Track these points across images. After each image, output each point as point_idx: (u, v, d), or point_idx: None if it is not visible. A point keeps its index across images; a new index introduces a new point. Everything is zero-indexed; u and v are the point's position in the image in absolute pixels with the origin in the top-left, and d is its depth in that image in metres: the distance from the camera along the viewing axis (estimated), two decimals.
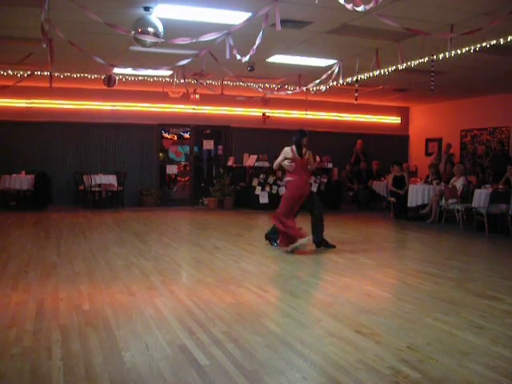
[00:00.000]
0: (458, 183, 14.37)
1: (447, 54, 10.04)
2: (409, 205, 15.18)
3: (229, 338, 4.93)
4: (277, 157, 10.08)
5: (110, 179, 16.87)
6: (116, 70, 13.20)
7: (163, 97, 16.25)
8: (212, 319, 5.52)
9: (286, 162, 9.80)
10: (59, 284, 6.98)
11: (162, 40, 8.24)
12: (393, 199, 15.76)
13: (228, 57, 8.77)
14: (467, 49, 9.97)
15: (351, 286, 7.26)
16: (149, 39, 8.20)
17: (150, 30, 8.11)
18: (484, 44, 9.65)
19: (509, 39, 9.18)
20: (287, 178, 9.97)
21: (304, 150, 10.07)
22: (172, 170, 19.20)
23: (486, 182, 14.13)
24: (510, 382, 4.04)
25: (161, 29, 8.17)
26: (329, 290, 6.91)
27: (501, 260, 9.69)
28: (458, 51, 10.06)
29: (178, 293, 6.64)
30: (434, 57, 10.42)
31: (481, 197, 12.79)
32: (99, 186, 16.73)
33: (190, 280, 7.65)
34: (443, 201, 14.20)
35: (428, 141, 20.56)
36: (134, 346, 4.66)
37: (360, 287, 7.18)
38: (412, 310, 6.05)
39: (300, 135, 10.15)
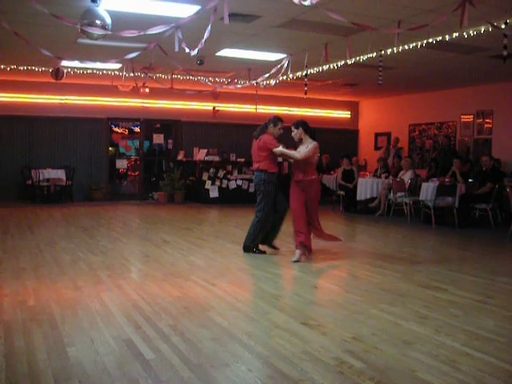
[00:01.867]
0: (406, 177, 14.59)
1: (395, 49, 10.16)
2: (358, 198, 15.35)
3: (175, 331, 4.93)
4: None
5: (59, 174, 16.63)
6: (64, 63, 13.00)
7: (112, 90, 16.08)
8: (158, 313, 5.50)
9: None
10: (4, 280, 6.86)
11: (110, 33, 8.13)
12: (342, 193, 15.93)
13: (177, 50, 8.73)
14: (414, 44, 10.12)
15: (298, 278, 7.32)
16: (96, 32, 8.08)
17: (98, 22, 7.98)
18: (430, 40, 9.81)
19: (454, 36, 9.35)
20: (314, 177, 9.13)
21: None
22: (122, 164, 19.05)
23: (436, 176, 14.36)
24: (451, 370, 4.13)
25: (108, 21, 8.06)
26: (276, 283, 6.96)
27: (446, 252, 9.87)
28: (406, 47, 10.22)
29: (125, 287, 6.59)
30: (382, 52, 10.55)
31: (428, 190, 13.01)
32: (47, 180, 16.48)
33: (137, 274, 7.60)
34: (391, 194, 14.41)
35: (377, 135, 20.81)
36: (78, 342, 4.61)
37: (307, 279, 7.24)
38: (358, 302, 6.13)
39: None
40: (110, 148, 18.80)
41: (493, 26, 8.28)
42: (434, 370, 4.14)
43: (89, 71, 14.26)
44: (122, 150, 19.38)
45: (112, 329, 4.97)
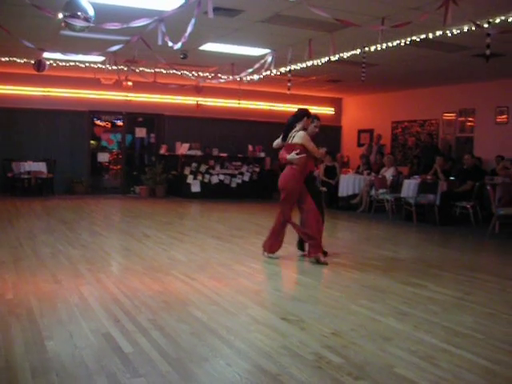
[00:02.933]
0: (388, 173, 14.65)
1: (378, 46, 10.19)
2: (340, 194, 15.41)
3: (154, 325, 4.91)
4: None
5: (40, 166, 16.52)
6: (46, 55, 12.90)
7: (95, 83, 16.01)
8: (138, 307, 5.48)
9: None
10: None
11: (92, 25, 8.07)
12: (324, 189, 15.92)
13: (160, 43, 8.69)
14: (398, 42, 10.16)
15: (279, 273, 7.33)
16: (78, 23, 8.00)
17: (80, 13, 7.93)
18: (414, 38, 9.85)
19: (437, 34, 9.39)
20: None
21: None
22: (104, 157, 18.94)
23: (418, 173, 14.43)
24: (429, 366, 4.15)
25: (91, 13, 7.99)
26: (257, 278, 6.96)
27: (427, 248, 9.92)
28: (389, 44, 10.24)
29: (105, 281, 6.56)
30: (366, 49, 10.57)
31: (409, 187, 13.08)
32: (28, 173, 16.35)
33: (117, 268, 7.57)
34: (373, 191, 14.46)
35: (360, 132, 20.86)
36: (57, 335, 4.59)
37: (288, 275, 7.26)
38: (338, 298, 6.14)
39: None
40: (92, 141, 18.69)
41: (476, 25, 8.32)
42: (413, 365, 4.16)
43: (71, 63, 14.16)
44: (103, 143, 19.26)
45: (91, 322, 4.94)
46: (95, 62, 14.09)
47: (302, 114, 7.92)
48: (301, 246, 8.50)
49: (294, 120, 7.98)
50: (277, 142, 8.31)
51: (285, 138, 8.04)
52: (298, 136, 7.75)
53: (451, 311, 5.71)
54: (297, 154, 7.73)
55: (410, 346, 4.58)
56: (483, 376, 4.00)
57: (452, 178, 13.52)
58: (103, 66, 13.81)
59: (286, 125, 8.09)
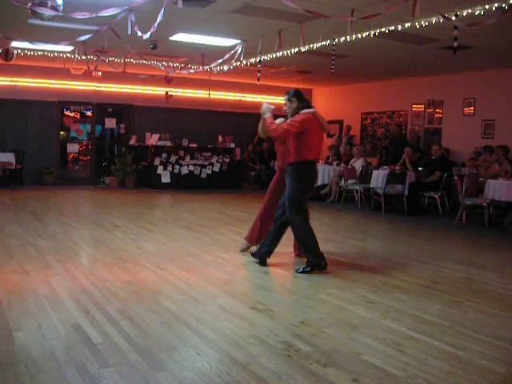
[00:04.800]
0: (357, 164, 14.75)
1: (348, 37, 10.23)
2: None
3: (123, 315, 4.92)
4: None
5: (8, 157, 16.27)
6: (14, 44, 12.74)
7: (64, 73, 15.83)
8: (107, 297, 5.48)
9: None
10: None
11: (61, 14, 8.00)
12: None
13: (129, 33, 8.65)
14: (367, 33, 10.21)
15: (248, 263, 7.33)
16: (47, 12, 7.94)
17: (48, 2, 7.85)
18: (383, 29, 9.91)
19: (406, 26, 9.46)
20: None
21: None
22: (73, 148, 18.76)
23: (386, 164, 14.56)
24: (396, 353, 4.22)
25: (59, 2, 7.92)
26: (226, 268, 6.98)
27: (395, 238, 10.03)
28: (359, 35, 10.29)
29: (74, 271, 6.54)
30: (335, 40, 10.62)
31: (378, 178, 13.20)
32: None
33: (86, 259, 7.55)
34: (342, 181, 14.56)
35: (330, 123, 20.83)
36: (25, 326, 4.57)
37: (257, 265, 7.26)
38: (307, 287, 6.20)
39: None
40: (62, 132, 18.50)
41: (444, 17, 8.39)
42: (380, 353, 4.22)
43: (40, 53, 13.97)
44: (73, 134, 19.09)
45: (60, 313, 4.93)
46: (64, 52, 13.92)
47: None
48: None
49: None
50: None
51: None
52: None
53: (418, 299, 5.80)
54: None
55: (377, 333, 4.66)
56: (449, 362, 4.08)
57: (420, 169, 13.67)
58: (72, 56, 13.67)
59: None
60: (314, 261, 6.87)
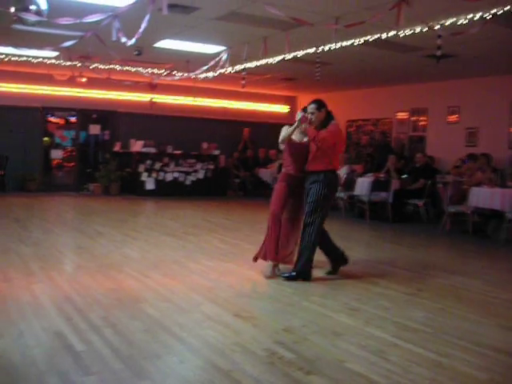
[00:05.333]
0: (342, 172, 14.75)
1: (333, 45, 10.28)
2: None
3: (107, 323, 4.89)
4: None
5: None
6: None
7: (48, 79, 15.77)
8: (91, 305, 5.45)
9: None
10: None
11: (45, 19, 7.98)
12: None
13: (114, 39, 8.63)
14: (352, 41, 10.25)
15: (232, 271, 7.34)
16: (31, 17, 7.92)
17: (32, 7, 7.82)
18: (367, 37, 9.95)
19: (390, 34, 9.51)
20: None
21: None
22: (57, 154, 18.63)
23: (371, 171, 14.59)
24: (379, 360, 4.23)
25: (44, 7, 7.89)
26: (210, 275, 6.96)
27: (379, 246, 10.06)
28: (343, 43, 10.33)
29: (58, 279, 6.50)
30: (320, 48, 10.65)
31: (363, 185, 13.22)
32: None
33: (70, 266, 7.50)
34: None
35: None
36: (7, 334, 4.54)
37: (241, 272, 7.27)
38: (291, 294, 6.20)
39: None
40: (46, 138, 18.39)
41: (428, 26, 8.46)
42: (363, 360, 4.23)
43: (24, 58, 13.92)
44: (57, 140, 18.99)
45: (42, 321, 4.90)
46: (49, 58, 13.88)
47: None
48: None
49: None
50: None
51: None
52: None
53: (402, 307, 5.82)
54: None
55: (360, 341, 4.66)
56: (432, 369, 4.09)
57: (404, 177, 13.72)
58: (57, 62, 13.63)
59: None
60: (303, 269, 6.88)
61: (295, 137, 7.23)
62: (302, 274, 6.88)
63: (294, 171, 7.21)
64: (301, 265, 6.92)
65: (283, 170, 7.38)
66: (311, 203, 6.92)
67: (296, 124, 7.04)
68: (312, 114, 7.08)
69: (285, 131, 7.23)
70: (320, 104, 7.15)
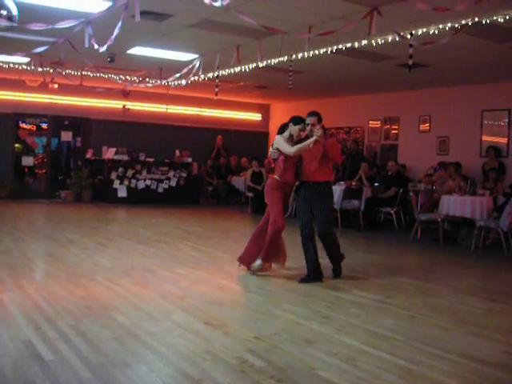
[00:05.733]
0: None
1: (305, 53, 10.33)
2: (266, 200, 15.46)
3: (76, 331, 4.84)
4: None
5: None
6: None
7: (20, 85, 15.64)
8: (60, 313, 5.39)
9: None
10: None
11: (16, 25, 7.91)
12: (251, 194, 16.05)
13: (86, 45, 8.58)
14: (324, 50, 10.31)
15: (204, 279, 7.32)
16: (2, 23, 7.84)
17: (3, 12, 7.74)
18: (340, 46, 10.02)
19: (362, 43, 9.59)
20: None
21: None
22: (28, 161, 18.44)
23: (343, 179, 14.65)
24: (350, 367, 4.24)
25: (15, 12, 7.82)
26: (181, 284, 6.93)
27: (351, 254, 10.03)
28: (316, 52, 10.39)
29: (27, 287, 6.42)
30: (293, 56, 10.70)
31: (335, 193, 13.22)
32: None
33: (40, 274, 7.43)
34: None
35: None
36: None
37: (213, 280, 7.25)
38: (262, 302, 6.20)
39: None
40: (17, 144, 18.22)
41: (399, 35, 8.55)
42: (334, 367, 4.23)
43: None
44: (28, 146, 18.80)
45: (10, 330, 4.83)
46: (20, 64, 13.77)
47: (290, 121, 7.55)
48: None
49: (283, 129, 7.71)
50: None
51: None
52: (275, 140, 7.53)
53: (373, 314, 5.84)
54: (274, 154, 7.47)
55: (331, 348, 4.66)
56: (402, 376, 4.11)
57: (376, 185, 13.81)
58: (28, 68, 13.52)
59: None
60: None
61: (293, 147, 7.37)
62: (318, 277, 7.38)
63: (291, 179, 7.53)
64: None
65: (278, 178, 7.55)
66: (327, 213, 7.47)
67: (315, 138, 7.10)
68: (313, 125, 7.28)
69: (283, 142, 7.38)
70: (320, 117, 7.44)
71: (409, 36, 8.49)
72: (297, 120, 7.49)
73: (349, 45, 9.87)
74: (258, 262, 7.54)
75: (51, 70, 13.34)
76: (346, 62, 12.07)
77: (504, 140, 13.89)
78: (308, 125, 7.34)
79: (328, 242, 7.57)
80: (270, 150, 7.59)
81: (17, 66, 13.93)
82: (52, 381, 3.79)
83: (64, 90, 16.16)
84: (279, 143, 7.39)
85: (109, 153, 17.52)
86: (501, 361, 4.57)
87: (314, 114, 7.43)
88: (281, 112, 21.39)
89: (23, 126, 18.70)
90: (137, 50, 12.08)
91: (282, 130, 7.70)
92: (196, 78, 12.88)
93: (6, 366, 4.01)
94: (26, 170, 18.73)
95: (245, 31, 9.78)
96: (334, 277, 7.56)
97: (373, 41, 9.39)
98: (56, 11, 8.91)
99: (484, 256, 10.14)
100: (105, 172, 17.39)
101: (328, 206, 7.50)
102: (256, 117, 21.77)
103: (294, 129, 7.42)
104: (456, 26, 8.10)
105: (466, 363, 4.46)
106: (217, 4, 6.68)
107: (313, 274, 7.36)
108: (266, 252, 7.53)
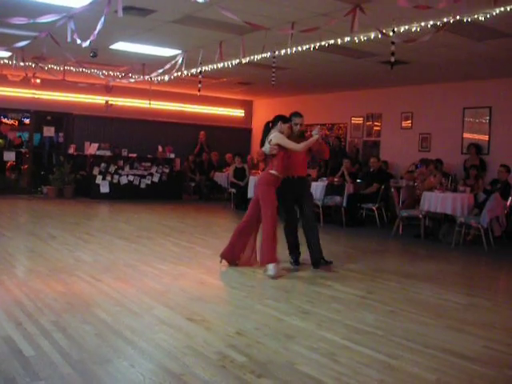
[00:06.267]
0: None
1: (288, 50, 10.33)
2: (249, 196, 15.45)
3: (57, 327, 4.83)
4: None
5: None
6: None
7: (1, 80, 15.53)
8: (41, 309, 5.38)
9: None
10: None
11: None
12: (233, 190, 16.06)
13: (69, 40, 8.54)
14: (307, 46, 10.31)
15: (186, 274, 7.33)
16: None
17: None
18: (323, 43, 10.03)
19: (345, 40, 9.60)
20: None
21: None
22: (10, 156, 18.31)
23: (325, 176, 14.69)
24: (330, 362, 4.27)
25: None
26: (163, 279, 6.93)
27: (333, 249, 10.09)
28: (299, 48, 10.39)
29: (8, 283, 6.39)
30: (276, 52, 10.71)
31: (317, 189, 13.28)
32: None
33: (20, 270, 7.39)
34: None
35: None
36: None
37: (194, 275, 7.27)
38: (244, 298, 6.22)
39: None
40: None
41: (381, 32, 8.58)
42: (314, 362, 4.26)
43: None
44: (10, 141, 18.67)
45: None
46: (1, 58, 13.66)
47: (277, 119, 7.87)
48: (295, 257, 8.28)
49: (268, 126, 7.94)
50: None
51: (262, 145, 7.89)
52: (273, 137, 7.65)
53: (353, 309, 5.88)
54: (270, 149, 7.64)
55: (312, 343, 4.69)
56: (382, 371, 4.14)
57: (359, 181, 13.87)
58: (10, 62, 13.42)
59: (262, 132, 7.99)
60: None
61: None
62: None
63: (282, 175, 7.80)
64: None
65: (275, 173, 7.71)
66: (312, 204, 8.43)
67: (316, 138, 7.92)
68: (301, 125, 8.12)
69: (287, 139, 7.70)
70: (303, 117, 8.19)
71: (391, 33, 8.52)
72: (286, 119, 7.91)
73: (332, 41, 9.87)
74: (270, 267, 7.35)
75: (33, 65, 13.27)
76: (328, 58, 12.10)
77: (485, 137, 13.98)
78: (296, 124, 8.01)
79: (315, 227, 8.23)
80: (266, 146, 7.70)
81: None
82: (32, 377, 3.79)
83: (46, 84, 16.07)
84: (283, 140, 7.66)
85: (91, 148, 17.44)
86: (480, 355, 4.62)
87: (299, 114, 8.16)
88: (264, 108, 21.41)
89: (5, 120, 18.57)
90: (120, 46, 12.03)
91: (267, 128, 7.91)
92: (179, 73, 12.85)
93: None
94: (8, 165, 18.60)
95: (228, 27, 9.77)
96: (315, 266, 8.02)
97: (355, 38, 9.41)
98: (38, 5, 8.84)
99: (464, 252, 10.22)
100: (87, 167, 17.31)
101: (312, 195, 8.53)
102: (239, 113, 21.77)
103: (284, 127, 7.79)
104: (437, 23, 8.13)
105: (445, 358, 4.50)
106: (200, 0, 6.70)
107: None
108: (270, 251, 7.49)
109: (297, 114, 8.15)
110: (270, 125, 7.89)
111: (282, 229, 8.26)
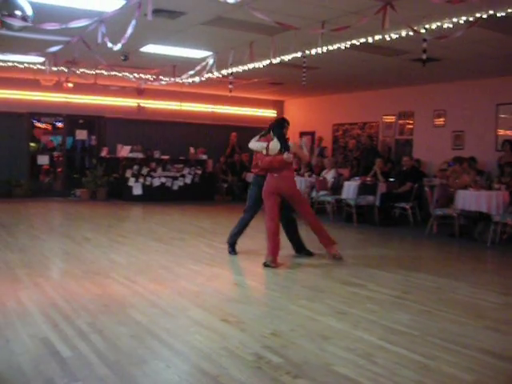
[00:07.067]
0: (329, 175, 14.81)
1: (319, 49, 10.30)
2: None
3: (93, 329, 4.87)
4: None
5: None
6: None
7: (35, 84, 15.72)
8: (77, 311, 5.42)
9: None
10: None
11: (31, 24, 7.94)
12: None
13: (99, 41, 8.62)
14: (338, 45, 10.28)
15: (220, 275, 7.34)
16: (16, 23, 7.87)
17: (18, 12, 7.78)
18: (353, 41, 9.99)
19: (376, 38, 9.55)
20: None
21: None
22: (44, 160, 18.54)
23: (358, 175, 14.64)
24: (367, 363, 4.23)
25: (29, 12, 7.85)
26: (197, 280, 6.95)
27: (366, 249, 10.06)
28: (330, 47, 10.36)
29: (44, 285, 6.47)
30: (307, 52, 10.68)
31: (350, 189, 13.25)
32: None
33: (56, 272, 7.47)
34: (314, 192, 14.59)
35: (302, 134, 20.99)
36: None
37: (228, 277, 7.29)
38: (278, 298, 6.20)
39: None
40: (32, 143, 18.33)
41: (413, 30, 8.51)
42: (351, 363, 4.23)
43: (10, 64, 13.86)
44: (44, 145, 18.91)
45: (28, 327, 4.87)
46: (35, 63, 13.84)
47: (284, 123, 8.44)
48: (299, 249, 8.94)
49: (281, 128, 8.34)
50: (259, 146, 8.47)
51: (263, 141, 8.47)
52: (292, 146, 8.20)
53: (389, 310, 5.83)
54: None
55: (348, 344, 4.66)
56: (418, 371, 4.10)
57: (391, 180, 13.77)
58: (43, 67, 13.58)
59: (275, 132, 8.31)
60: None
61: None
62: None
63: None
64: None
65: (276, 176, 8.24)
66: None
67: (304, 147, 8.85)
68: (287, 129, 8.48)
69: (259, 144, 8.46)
70: None
71: (422, 30, 8.45)
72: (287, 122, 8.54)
73: (362, 40, 9.83)
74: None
75: (65, 69, 13.40)
76: (359, 57, 12.04)
77: None
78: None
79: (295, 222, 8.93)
80: (287, 154, 8.04)
81: (31, 66, 14.00)
82: (70, 378, 3.82)
83: (78, 88, 16.22)
84: (301, 151, 8.49)
85: (123, 151, 17.58)
86: None
87: (287, 121, 8.57)
88: (295, 108, 21.38)
89: (38, 125, 18.80)
90: (150, 48, 12.10)
91: (269, 131, 8.51)
92: (210, 75, 12.88)
93: (24, 364, 4.04)
94: (42, 168, 18.82)
95: (258, 28, 9.78)
96: (305, 254, 8.79)
97: (386, 35, 9.35)
98: (70, 10, 8.93)
99: (500, 251, 10.08)
100: (120, 170, 17.46)
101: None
102: (270, 113, 21.74)
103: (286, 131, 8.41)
104: (470, 19, 8.04)
105: (482, 358, 4.44)
106: (231, 1, 6.71)
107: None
108: (275, 248, 7.98)
109: (286, 121, 8.58)
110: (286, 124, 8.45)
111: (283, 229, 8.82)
